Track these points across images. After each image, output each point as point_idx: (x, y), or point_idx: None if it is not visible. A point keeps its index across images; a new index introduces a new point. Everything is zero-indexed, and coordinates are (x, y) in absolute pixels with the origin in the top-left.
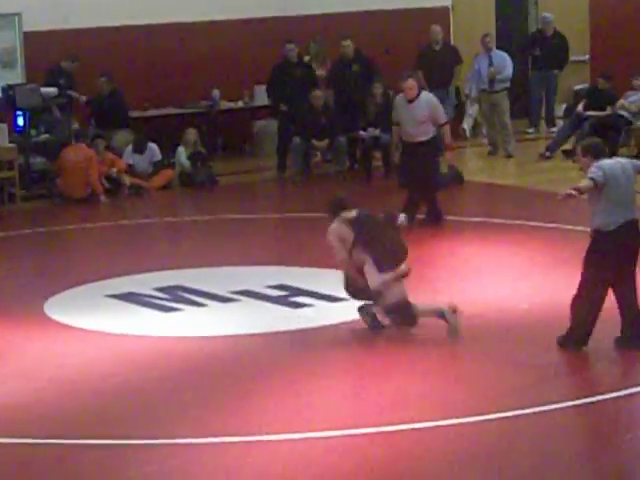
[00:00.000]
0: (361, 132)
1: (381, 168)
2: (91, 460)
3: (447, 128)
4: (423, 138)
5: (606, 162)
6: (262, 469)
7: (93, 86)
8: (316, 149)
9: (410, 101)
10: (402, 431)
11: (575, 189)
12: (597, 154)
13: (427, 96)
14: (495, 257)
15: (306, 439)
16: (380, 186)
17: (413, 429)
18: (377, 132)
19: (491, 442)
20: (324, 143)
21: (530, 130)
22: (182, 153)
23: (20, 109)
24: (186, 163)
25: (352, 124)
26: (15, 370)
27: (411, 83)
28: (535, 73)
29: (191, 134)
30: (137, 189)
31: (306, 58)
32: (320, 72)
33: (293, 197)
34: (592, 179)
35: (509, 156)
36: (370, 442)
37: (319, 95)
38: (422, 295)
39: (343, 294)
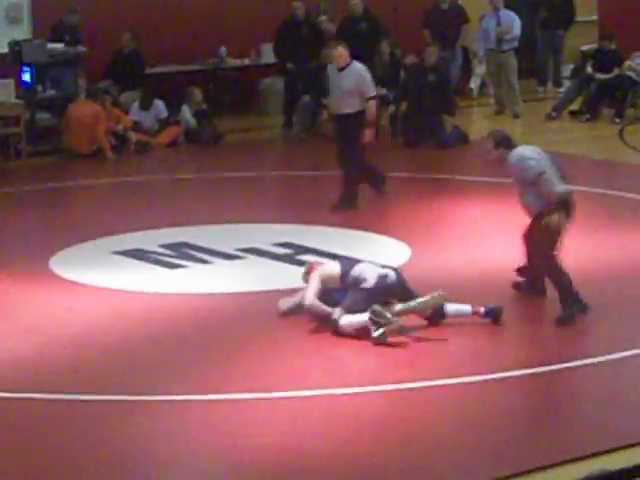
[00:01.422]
0: None
1: (388, 127)
2: (92, 416)
3: (373, 104)
4: (349, 110)
5: (526, 150)
6: (265, 427)
7: (99, 42)
8: (325, 108)
9: (340, 69)
10: (410, 389)
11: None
12: (509, 145)
13: (357, 66)
14: (500, 217)
15: (311, 397)
16: (387, 145)
17: (418, 388)
18: (384, 91)
19: (496, 401)
20: None
21: (539, 89)
22: (186, 111)
23: (26, 65)
24: (191, 120)
25: None
26: (20, 326)
27: (340, 51)
28: (541, 33)
29: (195, 92)
30: (143, 146)
31: (321, 18)
32: (331, 27)
33: (299, 155)
34: (542, 172)
35: (516, 116)
36: (377, 400)
37: (329, 53)
38: (428, 256)
39: (350, 252)
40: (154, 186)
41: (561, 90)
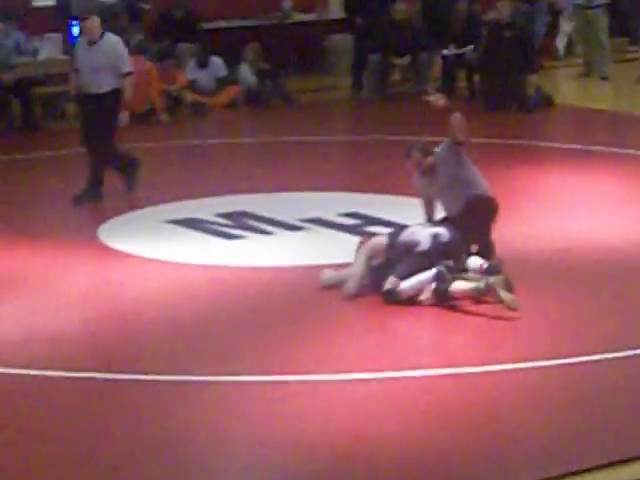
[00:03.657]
0: (444, 50)
1: (465, 89)
2: (143, 396)
3: (130, 81)
4: (101, 90)
5: None
6: (325, 411)
7: None
8: (396, 67)
9: (90, 43)
10: (482, 373)
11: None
12: (432, 151)
13: (112, 39)
14: (587, 187)
15: (381, 379)
16: (463, 108)
17: (494, 371)
18: (466, 49)
19: (573, 386)
20: (405, 60)
21: (633, 48)
22: (246, 69)
23: (75, 18)
24: (252, 80)
25: (438, 41)
26: (67, 300)
27: (93, 22)
28: None
29: (255, 49)
30: (199, 107)
31: None
32: None
33: (369, 118)
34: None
35: (604, 78)
36: (449, 384)
37: (401, 9)
38: (508, 227)
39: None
40: (211, 150)
41: None
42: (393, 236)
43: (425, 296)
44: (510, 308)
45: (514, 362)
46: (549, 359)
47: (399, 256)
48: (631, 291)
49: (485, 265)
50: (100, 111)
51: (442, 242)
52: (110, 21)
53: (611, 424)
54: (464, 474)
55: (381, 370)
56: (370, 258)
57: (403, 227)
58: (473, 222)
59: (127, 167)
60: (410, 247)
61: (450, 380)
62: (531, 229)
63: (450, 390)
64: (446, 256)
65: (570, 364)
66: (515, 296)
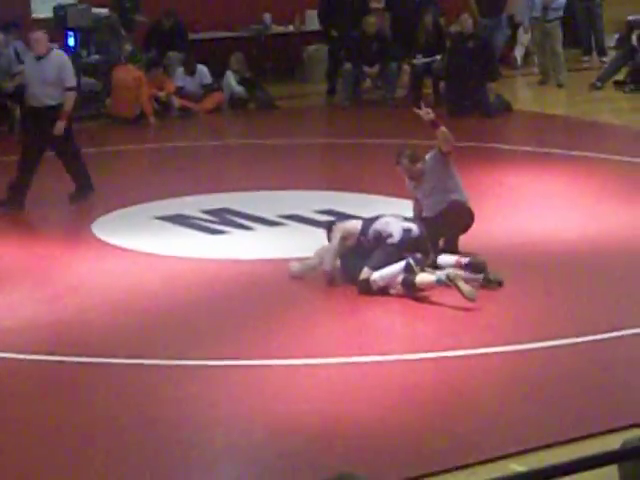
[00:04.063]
0: (414, 60)
1: (431, 95)
2: (135, 380)
3: (72, 95)
4: (52, 102)
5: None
6: (305, 393)
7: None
8: (367, 75)
9: (39, 58)
10: (449, 357)
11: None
12: (419, 157)
13: (58, 54)
14: (543, 186)
15: (353, 364)
16: None
17: (459, 356)
18: (433, 58)
19: (532, 370)
20: (375, 70)
21: (585, 58)
22: (230, 77)
23: (71, 29)
24: (237, 88)
25: (406, 51)
26: (61, 289)
27: (38, 36)
28: (578, 2)
29: (236, 59)
30: (186, 112)
31: None
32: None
33: (342, 122)
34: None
35: (560, 86)
36: (417, 368)
37: (372, 21)
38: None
39: None
40: (197, 152)
41: (605, 60)
42: (367, 222)
43: (395, 289)
44: (468, 299)
45: (477, 347)
46: (509, 345)
47: (371, 243)
48: (584, 281)
49: (465, 260)
50: (52, 124)
51: (412, 237)
52: (106, 33)
53: (566, 405)
54: (432, 451)
55: (355, 355)
56: (344, 238)
57: (377, 216)
58: (446, 225)
59: (85, 182)
60: (382, 237)
61: (418, 364)
62: (491, 225)
63: (418, 374)
64: (415, 250)
65: (529, 349)
66: (472, 288)
